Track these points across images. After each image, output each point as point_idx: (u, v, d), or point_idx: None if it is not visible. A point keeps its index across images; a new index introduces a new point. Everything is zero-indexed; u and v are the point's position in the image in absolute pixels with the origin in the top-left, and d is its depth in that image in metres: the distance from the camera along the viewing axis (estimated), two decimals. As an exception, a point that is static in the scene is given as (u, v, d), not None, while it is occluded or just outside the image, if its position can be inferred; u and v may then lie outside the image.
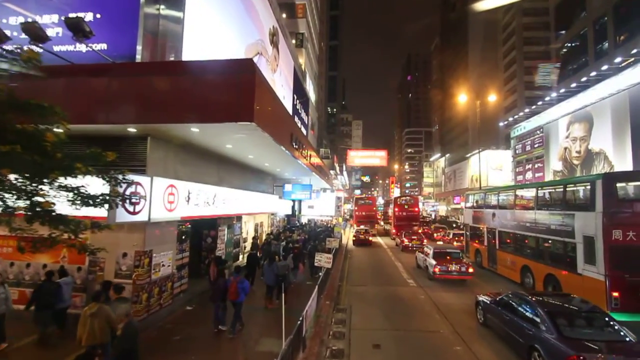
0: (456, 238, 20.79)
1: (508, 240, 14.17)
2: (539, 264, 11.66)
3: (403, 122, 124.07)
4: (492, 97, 26.82)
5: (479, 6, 43.49)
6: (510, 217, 13.98)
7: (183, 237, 9.33)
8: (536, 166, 34.61)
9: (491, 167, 46.07)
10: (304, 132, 23.65)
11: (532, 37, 45.00)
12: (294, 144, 9.65)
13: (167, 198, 7.42)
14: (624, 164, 22.07)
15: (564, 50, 37.94)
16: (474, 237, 17.69)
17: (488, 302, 8.50)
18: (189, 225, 9.53)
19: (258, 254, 12.20)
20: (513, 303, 7.54)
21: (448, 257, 13.64)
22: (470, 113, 55.89)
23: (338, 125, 78.83)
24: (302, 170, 14.72)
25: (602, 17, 31.37)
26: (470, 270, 13.08)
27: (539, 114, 32.77)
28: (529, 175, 36.17)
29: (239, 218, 13.66)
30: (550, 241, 11.21)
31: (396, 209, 27.00)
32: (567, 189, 11.01)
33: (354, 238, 24.19)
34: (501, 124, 41.84)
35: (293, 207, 22.98)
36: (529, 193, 13.84)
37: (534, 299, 7.05)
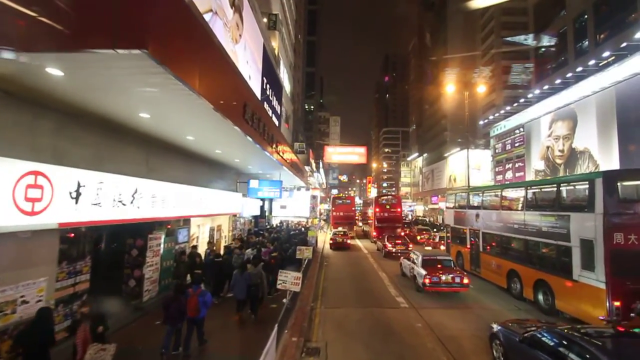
0: (443, 242, 18.92)
1: (493, 243, 13.12)
2: (527, 269, 10.57)
3: (380, 122, 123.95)
4: (482, 88, 25.43)
5: (469, 5, 42.69)
6: (496, 218, 12.85)
7: (86, 250, 6.35)
8: (517, 165, 34.02)
9: (470, 166, 45.49)
10: (276, 122, 20.90)
11: (510, 36, 44.82)
12: (249, 120, 6.91)
13: (23, 193, 4.45)
14: (610, 162, 21.38)
15: (543, 49, 37.80)
16: (455, 239, 16.57)
17: (511, 338, 6.24)
18: (79, 233, 6.49)
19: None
20: (559, 347, 5.26)
21: (439, 266, 11.77)
22: (449, 112, 55.44)
23: (315, 123, 76.32)
24: (270, 163, 12.02)
25: (582, 15, 31.08)
26: (466, 281, 11.18)
27: (519, 112, 32.10)
28: (509, 175, 35.64)
29: (186, 221, 10.70)
30: (541, 244, 10.19)
31: (377, 210, 24.78)
32: (562, 188, 9.89)
33: (331, 241, 21.78)
34: (481, 122, 41.17)
35: (262, 207, 20.12)
36: (517, 193, 12.79)
37: (597, 346, 4.78)
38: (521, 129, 33.38)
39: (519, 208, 11.63)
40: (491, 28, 48.31)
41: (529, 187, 11.46)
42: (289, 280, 6.68)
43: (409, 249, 17.43)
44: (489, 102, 49.33)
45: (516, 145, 33.88)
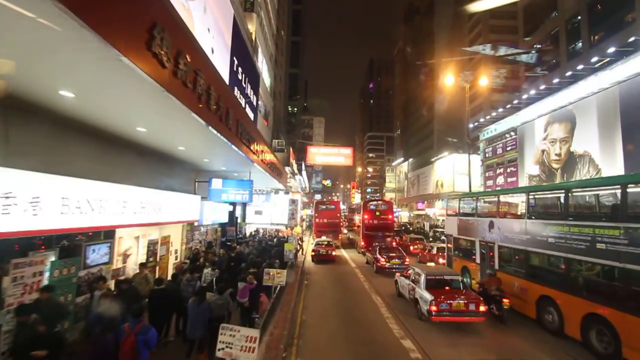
0: (441, 254, 16.40)
1: (515, 260, 10.51)
2: (572, 298, 7.89)
3: (365, 127, 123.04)
4: (484, 81, 23.43)
5: (473, 7, 41.65)
6: (520, 229, 10.20)
7: None
8: (509, 170, 32.68)
9: (457, 171, 44.15)
10: (251, 114, 18.00)
11: (499, 40, 44.13)
12: (165, 59, 4.01)
13: None
14: (614, 166, 19.91)
15: (534, 51, 36.98)
16: (459, 252, 14.02)
17: None
18: None
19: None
20: None
21: (447, 288, 9.40)
22: (437, 115, 54.28)
23: (299, 127, 73.58)
24: (232, 155, 9.09)
25: (575, 17, 30.19)
26: (482, 308, 8.77)
27: (513, 114, 30.80)
28: (500, 180, 34.29)
29: (108, 234, 7.53)
30: (594, 267, 7.61)
31: (365, 216, 21.76)
32: (630, 190, 7.19)
33: (313, 253, 18.84)
34: (471, 125, 39.72)
35: (232, 212, 16.97)
36: (554, 197, 10.20)
37: None
38: (512, 133, 32.24)
39: (558, 217, 9.01)
40: (479, 31, 47.62)
41: (571, 190, 8.85)
42: (235, 343, 3.75)
43: (406, 263, 14.84)
44: (476, 105, 48.34)
45: (508, 149, 32.59)
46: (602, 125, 21.21)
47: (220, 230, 14.76)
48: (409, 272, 11.00)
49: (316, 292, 12.05)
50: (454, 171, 44.32)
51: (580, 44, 29.25)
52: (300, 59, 72.10)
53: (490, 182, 35.27)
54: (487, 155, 36.11)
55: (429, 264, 11.74)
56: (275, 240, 16.51)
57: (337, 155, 35.47)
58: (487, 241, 11.82)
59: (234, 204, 17.29)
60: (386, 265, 15.04)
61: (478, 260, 12.40)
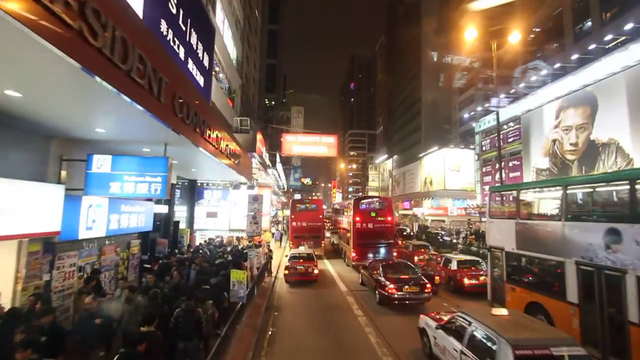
0: (466, 270, 11.50)
1: None
2: None
3: (346, 125, 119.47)
4: (516, 36, 19.16)
5: (474, 6, 38.41)
6: None
7: None
8: (511, 164, 29.10)
9: (448, 167, 40.46)
10: (200, 78, 12.91)
11: (492, 24, 40.87)
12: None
13: None
14: (651, 155, 16.21)
15: (532, 35, 33.86)
16: (523, 278, 8.88)
17: None
18: None
19: None
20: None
21: None
22: (425, 107, 50.73)
23: (276, 123, 68.52)
24: (121, 105, 3.93)
25: (583, -6, 26.99)
26: None
27: (516, 101, 27.36)
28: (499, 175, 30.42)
29: None
30: None
31: (357, 219, 16.31)
32: None
33: (287, 271, 13.42)
34: (466, 115, 36.14)
35: (168, 216, 11.55)
36: None
37: None
38: (511, 124, 28.83)
39: None
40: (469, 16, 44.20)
41: None
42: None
43: (426, 291, 9.84)
44: (466, 98, 45.03)
45: (510, 140, 29.10)
46: (634, 108, 17.65)
47: (139, 244, 9.37)
48: (457, 323, 5.96)
49: (287, 355, 6.85)
50: (445, 167, 40.54)
51: (590, 23, 26.14)
52: (278, 50, 67.27)
53: (488, 178, 31.83)
54: (484, 148, 32.65)
55: (496, 311, 5.84)
56: (226, 256, 10.86)
57: (318, 145, 30.06)
58: (601, 266, 6.68)
59: (170, 202, 11.88)
60: (396, 295, 9.74)
61: (574, 299, 7.18)
